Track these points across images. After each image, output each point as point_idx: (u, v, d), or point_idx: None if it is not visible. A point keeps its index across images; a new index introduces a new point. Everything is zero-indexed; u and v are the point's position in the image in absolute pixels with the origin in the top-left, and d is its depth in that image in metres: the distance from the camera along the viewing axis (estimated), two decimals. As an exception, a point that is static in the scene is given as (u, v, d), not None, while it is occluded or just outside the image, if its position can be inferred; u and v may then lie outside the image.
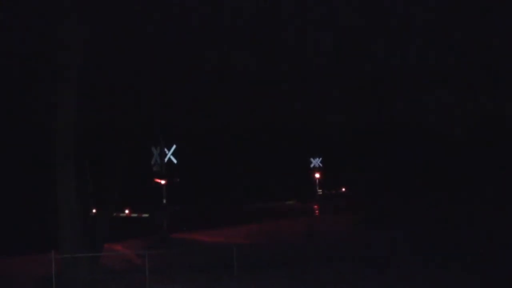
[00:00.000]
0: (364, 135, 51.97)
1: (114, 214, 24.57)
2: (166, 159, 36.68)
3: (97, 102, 22.00)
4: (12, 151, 32.49)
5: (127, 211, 45.87)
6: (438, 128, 44.54)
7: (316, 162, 66.06)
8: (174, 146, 36.94)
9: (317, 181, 66.11)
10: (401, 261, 23.07)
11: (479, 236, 29.16)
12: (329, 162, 65.39)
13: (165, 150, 36.74)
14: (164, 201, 36.69)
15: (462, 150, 45.15)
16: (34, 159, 30.68)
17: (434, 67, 35.83)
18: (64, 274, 19.28)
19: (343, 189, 68.92)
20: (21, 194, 34.36)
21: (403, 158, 46.85)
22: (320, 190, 67.13)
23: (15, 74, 24.37)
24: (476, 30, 33.06)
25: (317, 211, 52.51)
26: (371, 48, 33.14)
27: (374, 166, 50.86)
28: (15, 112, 27.39)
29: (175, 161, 37.11)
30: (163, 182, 36.80)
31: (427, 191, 44.60)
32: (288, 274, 21.46)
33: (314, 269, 22.44)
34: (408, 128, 46.26)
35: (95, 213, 22.47)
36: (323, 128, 57.42)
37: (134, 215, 46.13)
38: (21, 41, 22.86)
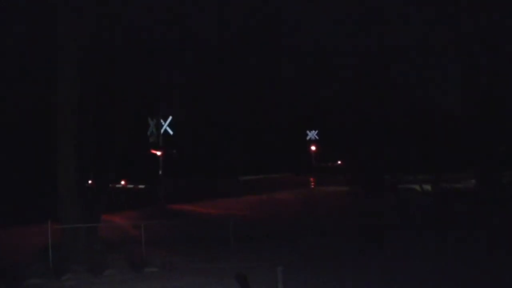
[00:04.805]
0: (361, 107, 51.63)
1: (110, 185, 24.59)
2: (162, 130, 36.70)
3: (96, 71, 21.81)
4: (11, 121, 32.32)
5: (123, 182, 45.91)
6: (439, 102, 44.37)
7: (312, 134, 66.02)
8: (170, 118, 36.91)
9: (313, 154, 66.13)
10: (397, 233, 23.36)
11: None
12: (326, 135, 65.29)
13: (161, 121, 36.71)
14: (160, 172, 36.75)
15: (463, 127, 44.95)
16: (34, 130, 30.55)
17: (437, 42, 35.57)
18: (62, 245, 19.40)
19: (339, 162, 68.91)
20: (20, 164, 34.30)
21: (399, 130, 46.76)
22: (317, 163, 67.22)
23: (15, 44, 24.14)
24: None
25: (313, 183, 52.69)
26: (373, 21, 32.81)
27: (369, 138, 50.72)
28: (14, 83, 27.20)
29: (171, 132, 37.12)
30: (159, 153, 36.79)
31: (423, 164, 44.64)
32: (284, 246, 21.67)
33: (310, 241, 22.66)
34: (406, 101, 45.95)
35: (91, 184, 22.47)
36: (319, 100, 57.18)
37: (130, 186, 46.18)
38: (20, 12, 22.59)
